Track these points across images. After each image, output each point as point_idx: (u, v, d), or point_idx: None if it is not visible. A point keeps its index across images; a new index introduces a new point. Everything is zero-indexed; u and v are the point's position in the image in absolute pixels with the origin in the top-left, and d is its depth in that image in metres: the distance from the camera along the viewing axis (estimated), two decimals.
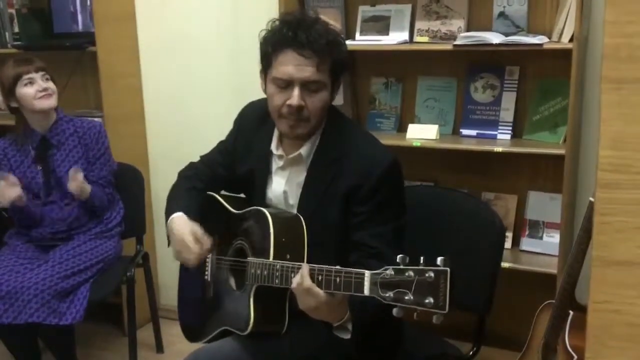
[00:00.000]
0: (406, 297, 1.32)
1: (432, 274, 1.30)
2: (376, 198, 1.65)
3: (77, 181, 2.46)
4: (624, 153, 0.71)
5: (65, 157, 2.60)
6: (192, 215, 1.78)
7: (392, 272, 1.35)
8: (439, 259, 1.31)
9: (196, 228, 1.73)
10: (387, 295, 1.35)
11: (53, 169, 2.60)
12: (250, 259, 1.69)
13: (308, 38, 1.61)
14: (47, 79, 2.56)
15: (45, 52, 2.94)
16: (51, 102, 2.56)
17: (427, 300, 1.30)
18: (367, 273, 1.40)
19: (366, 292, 1.39)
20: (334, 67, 1.67)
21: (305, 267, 1.49)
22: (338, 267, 1.45)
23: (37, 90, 2.52)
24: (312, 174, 1.74)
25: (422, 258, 1.33)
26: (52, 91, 2.56)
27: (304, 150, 1.73)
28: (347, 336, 1.55)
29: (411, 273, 1.33)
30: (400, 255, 1.36)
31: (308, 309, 1.50)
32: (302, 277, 1.47)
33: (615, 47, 0.69)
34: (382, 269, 1.37)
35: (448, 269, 1.29)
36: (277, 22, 1.69)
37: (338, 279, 1.44)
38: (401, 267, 1.34)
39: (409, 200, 1.76)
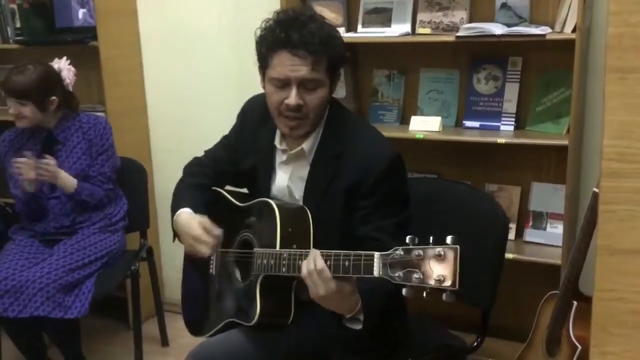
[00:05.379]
0: (415, 276, 1.32)
1: (441, 252, 1.30)
2: (378, 194, 1.65)
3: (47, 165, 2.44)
4: (628, 142, 0.71)
5: (70, 153, 2.61)
6: (198, 211, 1.78)
7: (402, 252, 1.35)
8: (449, 238, 1.31)
9: (204, 219, 1.74)
10: (397, 275, 1.35)
11: (57, 165, 2.60)
12: (256, 249, 1.69)
13: (301, 38, 1.60)
14: (21, 104, 2.51)
15: (47, 47, 2.94)
16: (22, 123, 2.56)
17: (437, 278, 1.30)
18: (376, 254, 1.40)
19: (376, 273, 1.38)
20: (330, 64, 1.66)
21: (315, 251, 1.48)
22: (346, 250, 1.45)
23: (12, 113, 2.54)
24: (314, 169, 1.74)
25: (431, 237, 1.33)
26: (22, 115, 2.53)
27: (306, 145, 1.74)
28: (359, 327, 1.54)
29: (420, 252, 1.33)
30: (410, 235, 1.36)
31: (319, 297, 1.47)
32: (314, 259, 1.45)
33: (619, 37, 0.70)
34: (392, 249, 1.37)
35: (458, 246, 1.29)
36: (270, 22, 1.68)
37: (347, 262, 1.44)
38: (410, 246, 1.34)
39: (412, 192, 1.76)
